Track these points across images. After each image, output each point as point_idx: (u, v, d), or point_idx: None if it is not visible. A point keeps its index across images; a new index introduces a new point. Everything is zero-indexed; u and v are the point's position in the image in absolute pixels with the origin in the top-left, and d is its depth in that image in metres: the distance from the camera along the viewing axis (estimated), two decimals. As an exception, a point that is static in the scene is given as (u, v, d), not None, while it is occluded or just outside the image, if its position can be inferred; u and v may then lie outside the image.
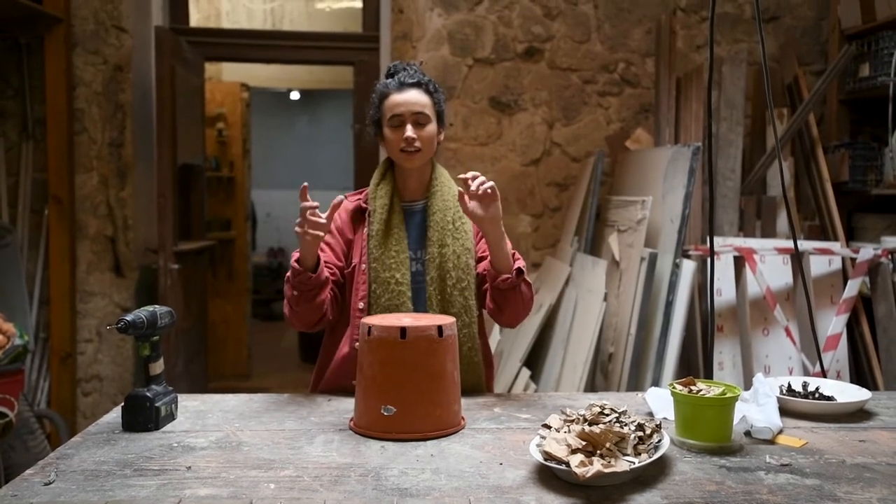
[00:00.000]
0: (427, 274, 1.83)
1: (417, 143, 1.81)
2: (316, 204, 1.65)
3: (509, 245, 1.78)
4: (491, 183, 1.69)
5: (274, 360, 6.54)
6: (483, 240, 1.90)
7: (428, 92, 1.85)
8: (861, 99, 3.69)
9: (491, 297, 1.82)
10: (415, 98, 1.82)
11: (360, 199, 1.92)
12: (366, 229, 1.86)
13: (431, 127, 1.84)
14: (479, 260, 1.90)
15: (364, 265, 1.83)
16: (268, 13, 6.15)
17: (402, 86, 1.83)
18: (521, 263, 1.77)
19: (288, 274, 1.74)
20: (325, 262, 1.82)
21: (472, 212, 1.70)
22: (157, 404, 1.52)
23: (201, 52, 4.26)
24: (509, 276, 1.73)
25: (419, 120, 1.82)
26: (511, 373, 3.43)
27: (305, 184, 1.68)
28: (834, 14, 3.82)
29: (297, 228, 1.65)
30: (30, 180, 3.79)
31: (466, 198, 1.71)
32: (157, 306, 1.58)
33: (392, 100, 1.82)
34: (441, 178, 1.91)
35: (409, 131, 1.80)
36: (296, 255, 1.73)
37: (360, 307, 1.80)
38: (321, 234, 1.65)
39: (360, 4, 4.56)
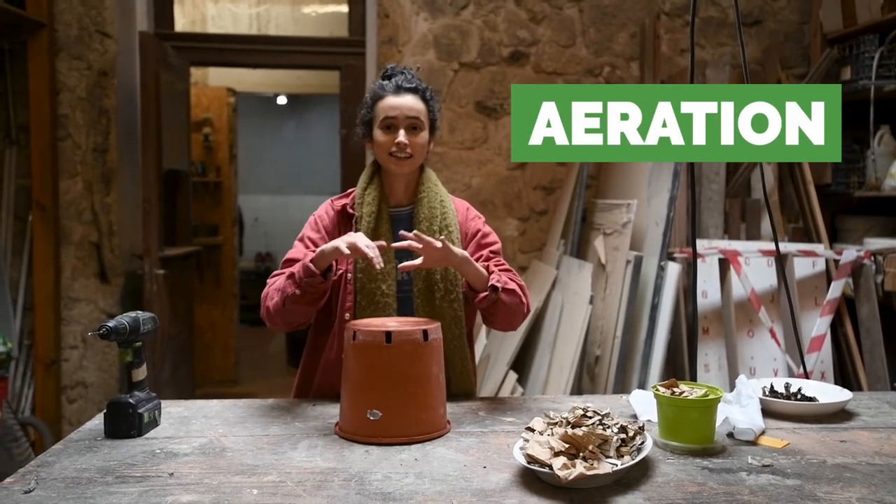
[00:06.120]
0: (414, 286, 1.80)
1: (409, 150, 1.78)
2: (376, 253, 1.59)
3: (483, 262, 1.76)
4: (435, 242, 1.63)
5: (261, 365, 6.51)
6: (470, 246, 1.88)
7: (424, 99, 1.82)
8: (843, 102, 3.66)
9: (479, 309, 1.80)
10: (411, 104, 1.80)
11: (346, 202, 1.88)
12: None
13: (424, 135, 1.82)
14: None
15: (350, 274, 1.79)
16: (253, 18, 6.14)
17: (399, 90, 1.80)
18: (495, 279, 1.72)
19: (295, 272, 1.67)
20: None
21: (422, 260, 1.65)
22: (139, 410, 1.51)
23: (187, 57, 4.25)
24: (485, 293, 1.70)
25: (413, 125, 1.79)
26: (498, 376, 3.44)
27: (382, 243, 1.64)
28: (816, 18, 3.86)
29: (347, 245, 1.59)
30: (13, 187, 3.76)
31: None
32: (139, 312, 1.57)
33: (387, 102, 1.80)
34: (429, 182, 1.88)
35: (402, 136, 1.77)
36: (310, 255, 1.67)
37: (346, 318, 1.77)
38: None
39: (346, 9, 4.56)
